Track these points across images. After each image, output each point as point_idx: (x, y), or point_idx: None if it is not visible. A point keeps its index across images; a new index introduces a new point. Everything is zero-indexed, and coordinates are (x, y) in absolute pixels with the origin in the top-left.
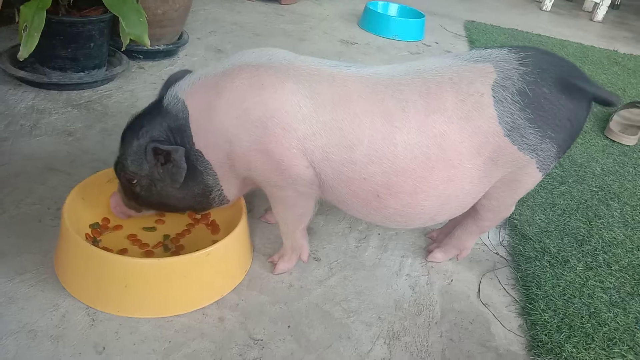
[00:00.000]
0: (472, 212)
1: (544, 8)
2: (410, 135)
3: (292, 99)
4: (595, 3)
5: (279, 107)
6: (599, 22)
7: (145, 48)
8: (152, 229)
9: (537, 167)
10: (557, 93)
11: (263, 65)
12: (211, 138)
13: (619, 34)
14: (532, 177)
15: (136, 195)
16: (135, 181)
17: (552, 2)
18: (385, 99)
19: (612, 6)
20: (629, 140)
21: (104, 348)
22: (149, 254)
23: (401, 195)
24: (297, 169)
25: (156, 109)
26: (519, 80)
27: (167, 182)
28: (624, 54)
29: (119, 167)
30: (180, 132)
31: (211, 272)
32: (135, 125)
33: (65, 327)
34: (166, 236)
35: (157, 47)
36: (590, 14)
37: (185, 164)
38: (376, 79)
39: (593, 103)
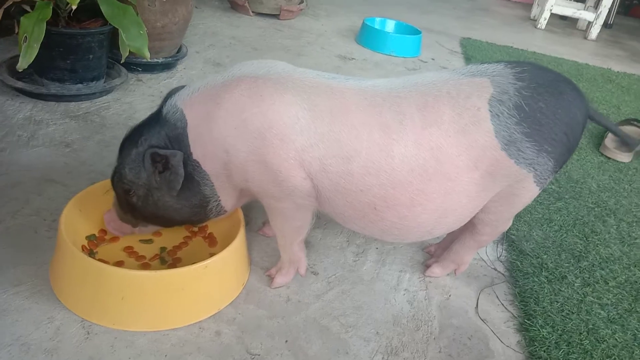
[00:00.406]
0: (470, 227)
1: (538, 26)
2: (407, 148)
3: (290, 110)
4: (589, 22)
5: (278, 118)
6: (592, 40)
7: (144, 61)
8: (149, 241)
9: (534, 181)
10: (553, 107)
11: (262, 77)
12: (209, 148)
13: (612, 53)
14: (529, 191)
15: (132, 207)
16: (132, 192)
17: (546, 21)
18: (383, 112)
19: (605, 25)
20: (624, 157)
21: None
22: (145, 267)
23: (398, 208)
24: (295, 180)
25: (155, 118)
26: (516, 94)
27: (165, 191)
28: (618, 72)
29: (117, 177)
30: (178, 141)
31: (208, 285)
32: (134, 135)
33: (60, 340)
34: (163, 248)
35: (155, 60)
36: (584, 32)
37: (182, 170)
38: (374, 91)
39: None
